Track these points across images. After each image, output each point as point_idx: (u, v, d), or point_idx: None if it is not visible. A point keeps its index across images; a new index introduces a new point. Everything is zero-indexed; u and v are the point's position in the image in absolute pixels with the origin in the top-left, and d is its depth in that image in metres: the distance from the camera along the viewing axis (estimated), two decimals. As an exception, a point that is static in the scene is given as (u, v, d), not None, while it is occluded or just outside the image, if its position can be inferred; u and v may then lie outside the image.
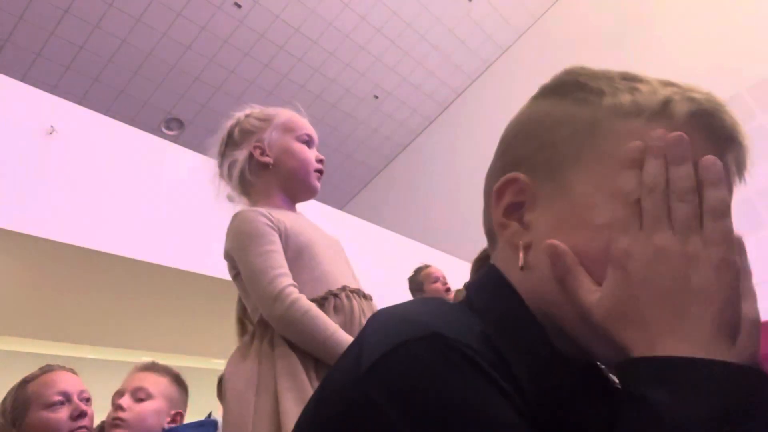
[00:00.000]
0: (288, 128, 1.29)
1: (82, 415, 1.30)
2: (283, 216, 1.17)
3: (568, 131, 0.44)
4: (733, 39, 5.53)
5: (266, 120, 1.30)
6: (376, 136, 7.67)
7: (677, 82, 0.46)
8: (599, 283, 0.40)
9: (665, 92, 0.44)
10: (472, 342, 0.37)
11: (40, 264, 3.21)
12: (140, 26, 5.44)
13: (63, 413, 1.29)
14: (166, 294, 3.77)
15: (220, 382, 1.04)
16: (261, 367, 1.02)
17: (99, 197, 3.04)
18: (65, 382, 1.35)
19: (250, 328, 1.15)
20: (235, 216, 1.16)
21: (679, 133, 0.40)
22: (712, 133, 0.43)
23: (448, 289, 2.64)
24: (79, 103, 4.32)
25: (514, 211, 0.46)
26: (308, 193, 1.30)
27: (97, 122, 3.35)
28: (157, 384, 1.39)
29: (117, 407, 1.32)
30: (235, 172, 1.27)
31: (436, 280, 2.64)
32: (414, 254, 4.61)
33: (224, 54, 5.97)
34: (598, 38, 6.38)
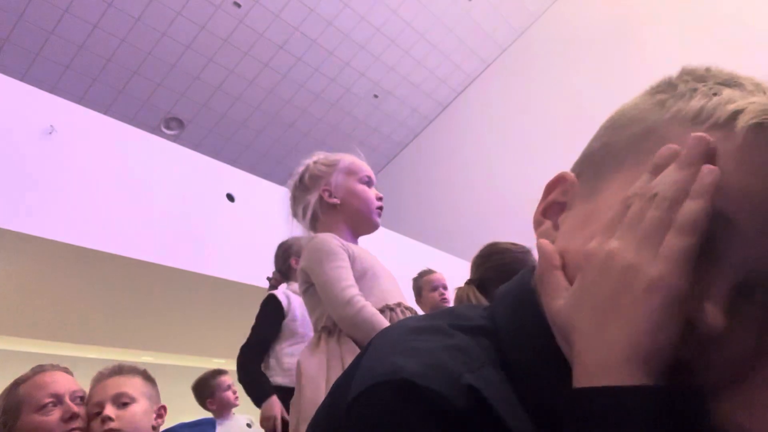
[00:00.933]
0: (351, 171, 1.49)
1: (74, 416, 1.29)
2: (352, 246, 1.39)
3: (629, 133, 0.41)
4: (732, 38, 5.52)
5: (332, 165, 1.49)
6: (375, 135, 7.66)
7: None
8: None
9: (744, 102, 0.36)
10: (450, 391, 0.34)
11: (38, 263, 3.20)
12: (140, 26, 5.44)
13: (54, 416, 1.27)
14: (165, 293, 3.77)
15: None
16: (329, 357, 1.23)
17: (98, 196, 3.04)
18: (56, 383, 1.32)
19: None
20: (312, 238, 1.37)
21: (700, 134, 0.35)
22: None
23: (444, 299, 2.62)
24: (79, 102, 4.32)
25: (559, 211, 0.43)
26: (370, 228, 1.50)
27: (96, 122, 3.35)
28: (134, 385, 1.36)
29: (104, 419, 1.29)
30: (309, 214, 1.45)
31: (435, 288, 2.61)
32: (413, 253, 4.61)
33: (224, 53, 5.97)
34: (597, 38, 6.37)
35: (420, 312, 2.28)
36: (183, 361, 5.69)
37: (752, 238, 0.34)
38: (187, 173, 3.56)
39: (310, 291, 1.35)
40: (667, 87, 0.42)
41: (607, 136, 0.43)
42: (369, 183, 1.51)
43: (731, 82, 0.39)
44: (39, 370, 1.35)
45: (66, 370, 1.40)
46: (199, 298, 3.81)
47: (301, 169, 1.52)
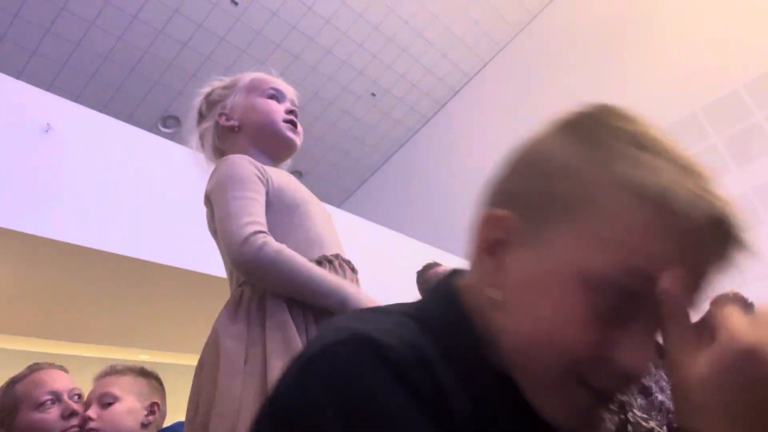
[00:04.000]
0: (252, 87, 1.23)
1: (74, 414, 1.29)
2: (274, 173, 1.10)
3: (569, 186, 0.41)
4: (731, 36, 5.53)
5: (230, 87, 1.24)
6: (373, 133, 7.66)
7: (694, 165, 0.41)
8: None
9: (666, 179, 0.39)
10: (398, 345, 0.37)
11: (35, 262, 3.20)
12: (136, 23, 5.42)
13: (53, 413, 1.27)
14: (163, 292, 3.77)
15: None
16: (251, 324, 0.95)
17: (95, 195, 3.03)
18: (55, 380, 1.33)
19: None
20: (223, 159, 1.09)
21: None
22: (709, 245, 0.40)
23: None
24: (76, 100, 4.30)
25: (495, 245, 0.44)
26: (283, 145, 1.21)
27: (93, 120, 3.33)
28: (121, 384, 1.36)
29: (86, 419, 1.29)
30: (207, 144, 1.22)
31: None
32: (411, 252, 4.61)
33: (221, 51, 5.96)
34: (596, 36, 6.38)
35: None
36: (181, 359, 5.69)
37: None
38: (184, 171, 3.55)
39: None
40: (589, 135, 0.42)
41: (542, 182, 0.43)
42: (277, 97, 1.23)
43: (647, 142, 0.41)
44: (36, 368, 1.35)
45: (62, 369, 1.40)
46: (197, 295, 3.80)
47: (198, 99, 1.27)
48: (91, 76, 5.73)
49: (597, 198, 0.40)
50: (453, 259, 4.78)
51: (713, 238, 0.40)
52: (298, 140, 1.23)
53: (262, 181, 1.05)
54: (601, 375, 0.39)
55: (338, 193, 8.12)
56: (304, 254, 0.99)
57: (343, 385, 0.36)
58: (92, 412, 1.28)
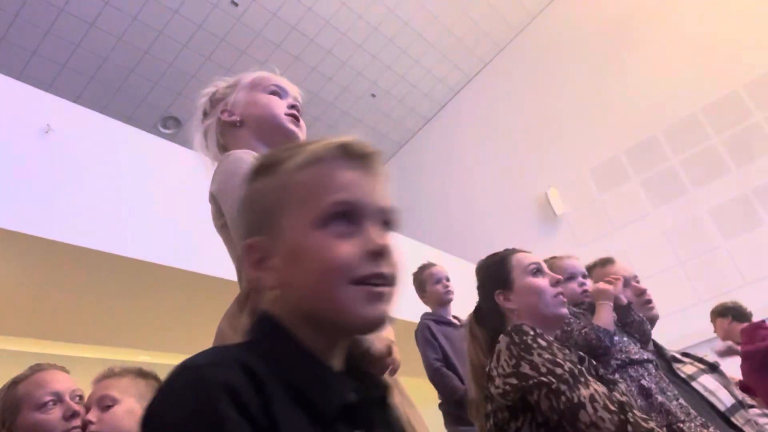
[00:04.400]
0: (254, 84, 1.24)
1: (75, 415, 1.29)
2: None
3: (268, 197, 0.60)
4: (731, 37, 5.53)
5: (233, 85, 1.25)
6: (373, 134, 7.66)
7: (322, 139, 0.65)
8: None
9: (315, 145, 0.63)
10: (232, 370, 0.48)
11: (34, 262, 3.19)
12: (136, 24, 5.42)
13: (55, 414, 1.27)
14: (163, 292, 3.77)
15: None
16: None
17: (95, 196, 3.03)
18: (57, 381, 1.32)
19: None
20: (227, 155, 1.10)
21: None
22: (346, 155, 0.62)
23: (449, 291, 2.60)
24: (76, 101, 4.30)
25: (260, 263, 0.60)
26: (287, 138, 1.20)
27: (93, 121, 3.34)
28: (120, 386, 1.36)
29: (86, 423, 1.29)
30: (210, 142, 1.23)
31: (438, 281, 2.60)
32: (411, 252, 4.61)
33: (221, 52, 5.96)
34: (595, 37, 6.38)
35: None
36: (180, 360, 5.68)
37: None
38: (184, 172, 3.55)
39: (226, 229, 1.07)
40: (261, 170, 0.64)
41: (258, 207, 0.63)
42: (279, 93, 1.24)
43: (291, 150, 0.66)
44: (38, 368, 1.35)
45: (63, 369, 1.40)
46: (197, 296, 3.80)
47: (202, 100, 1.28)
48: (91, 76, 5.73)
49: (286, 188, 0.60)
50: (451, 260, 4.77)
51: (351, 150, 0.62)
52: (300, 133, 1.23)
53: None
54: (364, 266, 0.56)
55: (338, 193, 8.12)
56: None
57: (176, 408, 0.46)
58: (92, 416, 1.28)
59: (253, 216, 0.62)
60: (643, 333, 1.82)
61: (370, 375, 0.65)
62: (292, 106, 1.23)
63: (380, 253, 0.58)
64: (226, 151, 1.18)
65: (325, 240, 0.56)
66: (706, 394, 1.71)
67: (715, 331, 3.56)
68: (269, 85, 1.24)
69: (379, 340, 0.92)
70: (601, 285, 1.77)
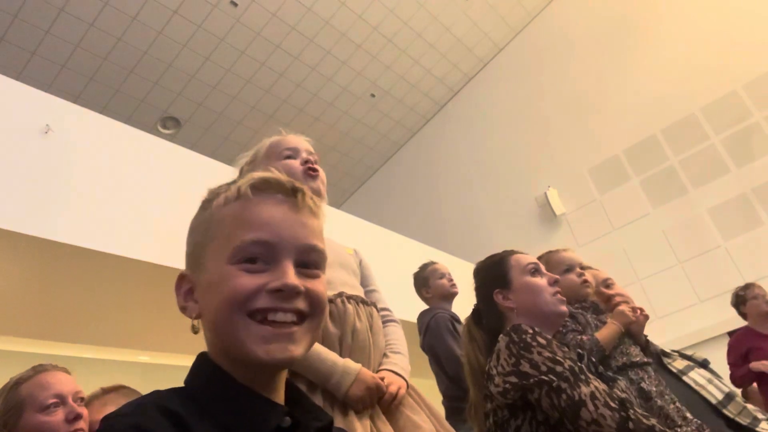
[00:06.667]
0: (269, 155, 1.36)
1: (78, 417, 1.29)
2: None
3: (199, 231, 0.65)
4: (731, 37, 5.54)
5: (252, 161, 1.40)
6: (372, 134, 7.66)
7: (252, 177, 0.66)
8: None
9: (241, 182, 0.65)
10: (151, 415, 0.51)
11: (34, 262, 3.19)
12: (136, 24, 5.42)
13: (58, 416, 1.27)
14: (162, 293, 3.76)
15: None
16: None
17: (95, 196, 3.03)
18: (60, 383, 1.32)
19: None
20: None
21: None
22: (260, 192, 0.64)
23: (453, 285, 2.59)
24: (75, 101, 4.30)
25: (188, 294, 0.65)
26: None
27: (93, 121, 3.33)
28: (116, 401, 1.37)
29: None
30: None
31: (442, 276, 2.60)
32: (411, 252, 4.61)
33: (220, 52, 5.96)
34: (595, 37, 6.38)
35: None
36: (181, 360, 5.68)
37: None
38: (184, 172, 3.55)
39: None
40: (204, 203, 0.68)
41: (189, 244, 0.67)
42: (292, 156, 1.35)
43: (220, 190, 0.70)
44: (41, 369, 1.35)
45: (65, 371, 1.39)
46: (197, 297, 3.80)
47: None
48: (90, 77, 5.73)
49: (212, 224, 0.63)
50: (451, 260, 4.78)
51: (273, 187, 0.63)
52: (315, 183, 1.34)
53: None
54: (262, 299, 0.58)
55: (338, 193, 8.13)
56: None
57: None
58: None
59: (189, 249, 0.67)
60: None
61: (316, 407, 0.67)
62: (306, 161, 1.35)
63: (282, 291, 0.58)
64: None
65: (231, 272, 0.59)
66: (697, 388, 1.72)
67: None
68: (282, 151, 1.36)
69: (357, 383, 1.07)
70: (627, 310, 1.78)
